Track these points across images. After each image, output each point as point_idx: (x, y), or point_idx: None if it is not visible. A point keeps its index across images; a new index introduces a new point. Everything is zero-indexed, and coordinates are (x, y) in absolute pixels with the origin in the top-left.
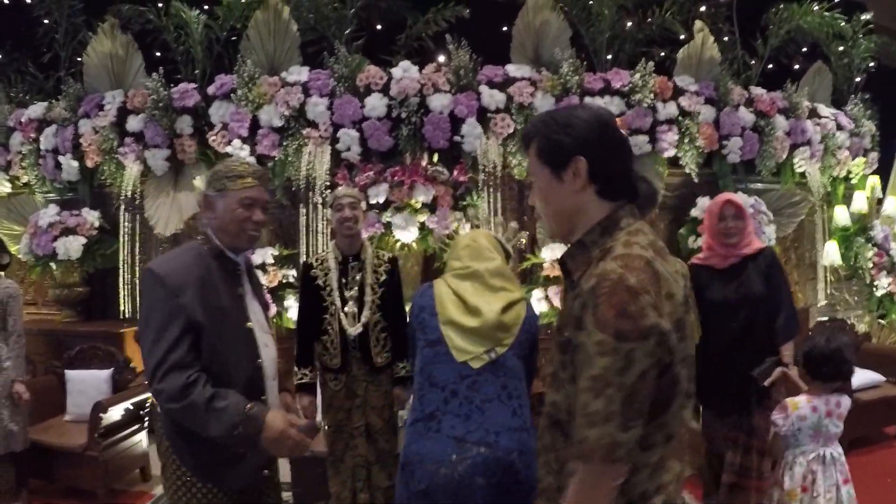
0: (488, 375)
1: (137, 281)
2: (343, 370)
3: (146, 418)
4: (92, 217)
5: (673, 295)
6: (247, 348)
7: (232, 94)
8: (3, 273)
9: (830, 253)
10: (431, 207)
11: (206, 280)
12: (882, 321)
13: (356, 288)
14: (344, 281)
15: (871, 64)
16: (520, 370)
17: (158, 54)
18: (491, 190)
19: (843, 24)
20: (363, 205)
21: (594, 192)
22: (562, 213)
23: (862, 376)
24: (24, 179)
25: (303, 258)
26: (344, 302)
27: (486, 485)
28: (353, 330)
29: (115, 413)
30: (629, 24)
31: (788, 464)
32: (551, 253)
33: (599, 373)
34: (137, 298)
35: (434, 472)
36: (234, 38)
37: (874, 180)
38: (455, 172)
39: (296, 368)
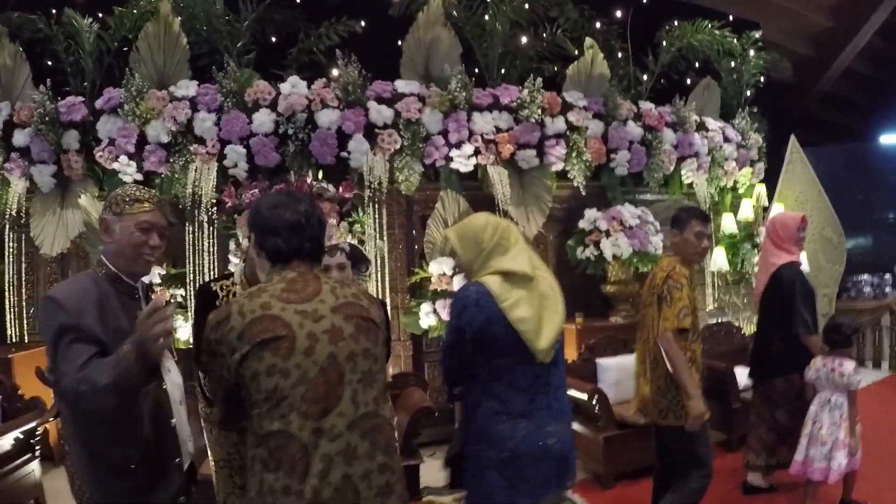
0: (551, 367)
1: (24, 304)
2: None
3: (37, 447)
4: None
5: None
6: (149, 373)
7: (119, 109)
8: None
9: (718, 259)
10: None
11: (104, 304)
12: None
13: None
14: None
15: (761, 79)
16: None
17: (49, 63)
18: (377, 206)
19: (733, 41)
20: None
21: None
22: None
23: (745, 375)
24: None
25: (189, 276)
26: None
27: (562, 459)
28: None
29: (4, 443)
30: (523, 40)
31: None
32: (438, 267)
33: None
34: (25, 324)
35: (537, 461)
36: (125, 50)
37: (761, 189)
38: (341, 188)
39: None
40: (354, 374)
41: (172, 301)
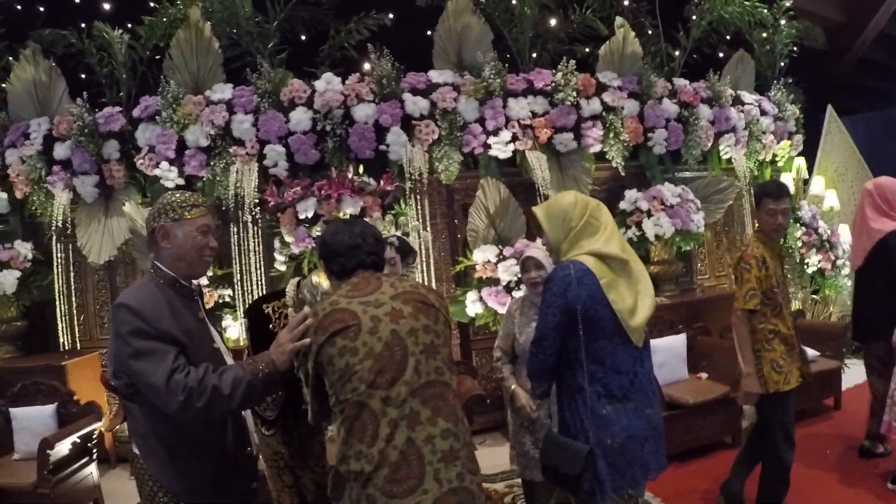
0: (644, 350)
1: (74, 312)
2: (276, 423)
3: (95, 450)
4: (24, 249)
5: None
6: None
7: (157, 116)
8: None
9: None
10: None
11: (174, 306)
12: (815, 297)
13: None
14: None
15: (794, 48)
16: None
17: (83, 77)
18: (418, 197)
19: (764, 12)
20: None
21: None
22: None
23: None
24: None
25: (236, 277)
26: None
27: (659, 441)
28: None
29: (62, 448)
30: (552, 22)
31: None
32: (482, 255)
33: None
34: (77, 331)
35: (639, 445)
36: (157, 58)
37: (800, 162)
38: (382, 182)
39: None
40: (417, 347)
41: (220, 300)
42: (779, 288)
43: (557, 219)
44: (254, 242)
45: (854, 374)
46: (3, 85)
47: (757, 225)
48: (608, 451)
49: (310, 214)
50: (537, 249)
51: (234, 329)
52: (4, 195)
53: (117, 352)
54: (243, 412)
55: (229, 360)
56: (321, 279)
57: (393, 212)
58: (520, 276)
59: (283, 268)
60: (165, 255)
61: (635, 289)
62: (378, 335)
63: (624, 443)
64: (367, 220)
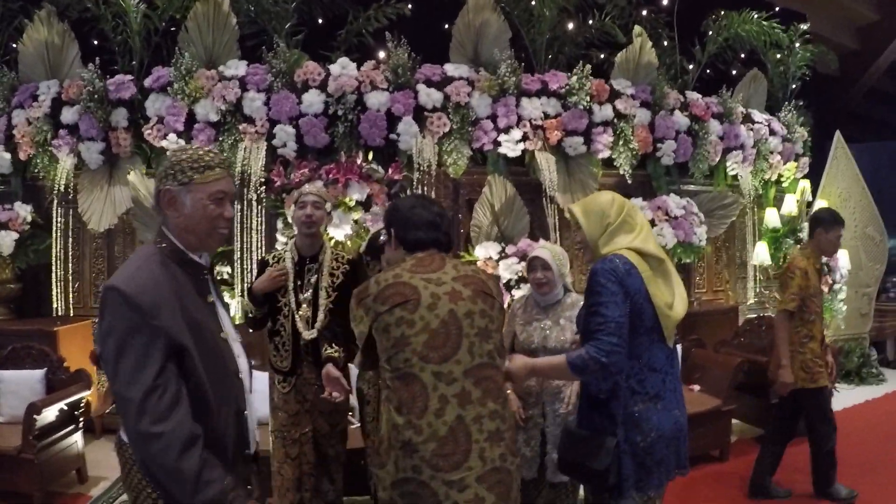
0: (674, 351)
1: (70, 279)
2: (293, 373)
3: (81, 419)
4: (24, 211)
5: None
6: (226, 362)
7: (168, 87)
8: None
9: (760, 253)
10: (366, 205)
11: (180, 293)
12: None
13: (311, 290)
14: (299, 283)
15: (807, 72)
16: None
17: (96, 43)
18: (425, 188)
19: (780, 33)
20: (328, 205)
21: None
22: None
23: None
24: None
25: (237, 255)
26: (298, 305)
27: (685, 442)
28: (308, 334)
29: (49, 414)
30: (570, 26)
31: None
32: (484, 251)
33: None
34: (71, 298)
35: (668, 444)
36: (173, 30)
37: (805, 184)
38: (390, 170)
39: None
40: (472, 329)
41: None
42: (816, 299)
43: (595, 215)
44: (256, 221)
45: (844, 397)
46: (15, 45)
47: (812, 242)
48: (636, 450)
49: None
50: (544, 249)
51: (233, 306)
52: (8, 156)
53: (102, 337)
54: (246, 411)
55: (237, 349)
56: None
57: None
58: (520, 274)
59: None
60: (172, 224)
61: (672, 288)
62: (436, 312)
63: (654, 442)
64: (374, 206)
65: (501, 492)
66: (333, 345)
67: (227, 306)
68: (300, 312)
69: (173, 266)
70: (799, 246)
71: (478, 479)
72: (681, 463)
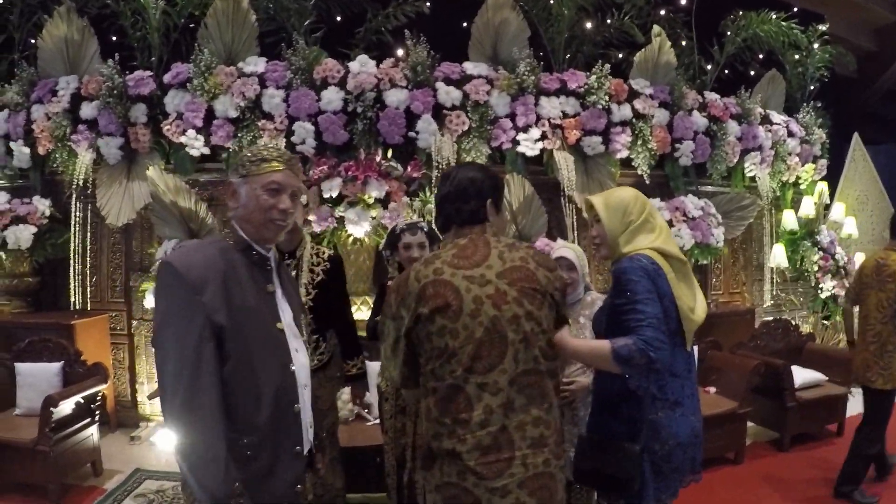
0: (691, 355)
1: (87, 272)
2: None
3: (97, 412)
4: (43, 206)
5: None
6: (277, 353)
7: (188, 84)
8: None
9: (777, 255)
10: (384, 203)
11: (231, 276)
12: (826, 322)
13: None
14: None
15: (825, 73)
16: None
17: (115, 39)
18: None
19: (799, 34)
20: (304, 198)
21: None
22: None
23: (805, 375)
24: None
25: None
26: None
27: (700, 448)
28: None
29: (66, 407)
30: (588, 25)
31: None
32: None
33: None
34: (88, 291)
35: (685, 450)
36: (192, 26)
37: (822, 186)
38: (409, 168)
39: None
40: (517, 335)
41: None
42: None
43: (617, 210)
44: None
45: (859, 401)
46: (35, 41)
47: (893, 242)
48: (654, 457)
49: (334, 194)
50: (568, 249)
51: None
52: (27, 150)
53: (154, 308)
54: (298, 406)
55: (296, 343)
56: None
57: (419, 198)
58: None
59: None
60: (235, 214)
61: (693, 291)
62: (479, 319)
63: (672, 450)
64: (393, 204)
65: (544, 496)
66: (348, 361)
67: (297, 301)
68: None
69: (235, 254)
70: (886, 248)
71: (519, 484)
72: (695, 468)
